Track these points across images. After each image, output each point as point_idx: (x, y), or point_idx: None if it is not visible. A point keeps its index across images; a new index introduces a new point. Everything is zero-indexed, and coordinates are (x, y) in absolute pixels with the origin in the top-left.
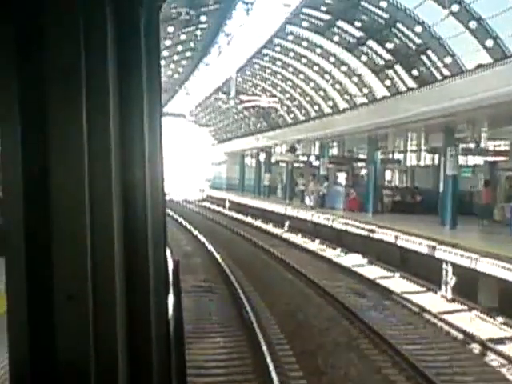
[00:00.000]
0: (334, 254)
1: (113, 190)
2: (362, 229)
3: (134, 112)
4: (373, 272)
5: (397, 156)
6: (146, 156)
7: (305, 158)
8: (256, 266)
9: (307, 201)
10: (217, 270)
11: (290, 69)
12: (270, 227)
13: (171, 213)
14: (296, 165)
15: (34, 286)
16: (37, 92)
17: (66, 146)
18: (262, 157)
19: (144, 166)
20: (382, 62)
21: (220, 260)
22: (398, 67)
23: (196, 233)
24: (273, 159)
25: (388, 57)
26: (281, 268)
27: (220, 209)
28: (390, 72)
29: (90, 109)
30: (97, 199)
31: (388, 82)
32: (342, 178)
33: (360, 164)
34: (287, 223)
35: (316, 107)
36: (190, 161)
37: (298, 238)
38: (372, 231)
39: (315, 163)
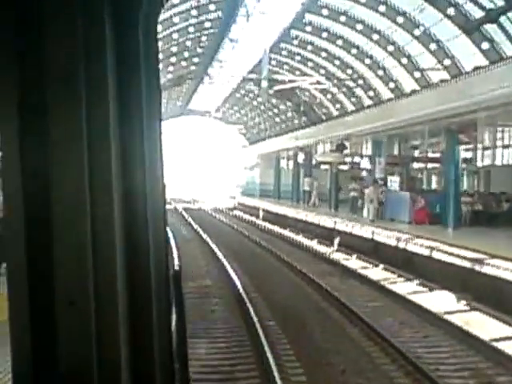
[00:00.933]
0: (411, 290)
1: (113, 195)
2: (457, 256)
3: (133, 113)
4: (484, 325)
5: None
6: (146, 159)
7: (353, 159)
8: (302, 313)
9: (365, 212)
10: (244, 324)
11: (339, 42)
12: (314, 244)
13: (195, 225)
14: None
15: (36, 292)
16: (36, 93)
17: (65, 147)
18: (301, 158)
19: (144, 169)
20: (479, 14)
21: (248, 304)
22: (505, 20)
23: (220, 253)
24: (314, 160)
25: (491, 5)
26: (337, 315)
27: (253, 219)
28: (493, 28)
29: (90, 111)
30: (97, 205)
31: (485, 45)
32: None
33: (416, 165)
34: (337, 240)
35: (371, 93)
36: (220, 165)
37: (353, 262)
38: (481, 262)
39: (363, 164)
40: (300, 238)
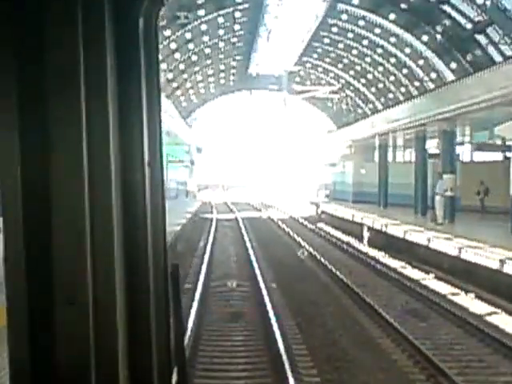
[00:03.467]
0: None
1: (112, 194)
2: None
3: (133, 113)
4: None
5: None
6: (146, 157)
7: None
8: None
9: None
10: None
11: None
12: None
13: (253, 253)
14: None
15: (35, 292)
16: (36, 91)
17: (65, 146)
18: (434, 144)
19: (144, 168)
20: None
21: None
22: None
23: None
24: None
25: None
26: None
27: (350, 240)
28: None
29: (89, 110)
30: (97, 205)
31: None
32: None
33: None
34: None
35: None
36: (297, 157)
37: None
38: None
39: None
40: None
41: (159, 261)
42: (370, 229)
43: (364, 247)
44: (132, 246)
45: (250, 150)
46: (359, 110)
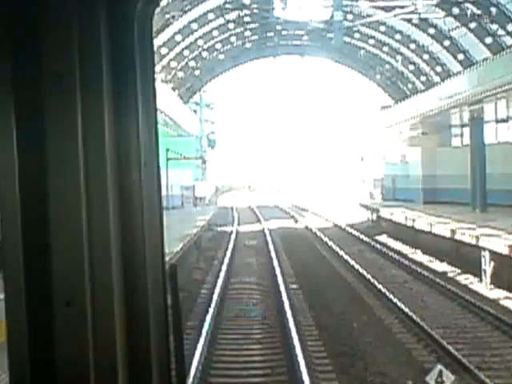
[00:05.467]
0: None
1: (109, 196)
2: None
3: (128, 111)
4: None
5: None
6: (142, 157)
7: None
8: None
9: None
10: None
11: None
12: None
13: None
14: None
15: (33, 292)
16: (32, 92)
17: (61, 146)
18: None
19: (140, 168)
20: None
21: None
22: None
23: None
24: None
25: None
26: None
27: (448, 270)
28: None
29: (85, 110)
30: (93, 205)
31: None
32: None
33: None
34: None
35: None
36: (336, 146)
37: None
38: None
39: None
40: None
41: (157, 261)
42: (493, 255)
43: (484, 288)
44: (129, 247)
45: (277, 140)
46: (438, 68)
